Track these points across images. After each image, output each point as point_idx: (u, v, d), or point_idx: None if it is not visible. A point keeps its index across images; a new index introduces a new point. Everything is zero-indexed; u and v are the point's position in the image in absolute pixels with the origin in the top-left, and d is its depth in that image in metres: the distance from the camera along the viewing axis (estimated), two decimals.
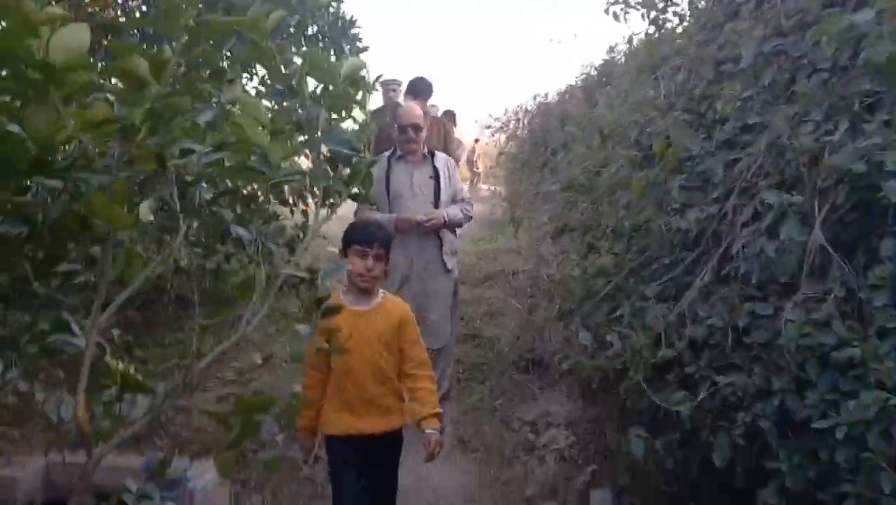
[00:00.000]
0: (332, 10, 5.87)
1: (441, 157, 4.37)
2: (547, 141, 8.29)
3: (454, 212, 4.27)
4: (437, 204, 4.17)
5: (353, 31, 5.98)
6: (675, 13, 3.85)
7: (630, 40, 5.91)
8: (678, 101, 3.06)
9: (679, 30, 3.86)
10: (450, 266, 4.34)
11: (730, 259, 2.37)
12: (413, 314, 2.89)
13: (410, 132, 4.24)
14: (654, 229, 2.65)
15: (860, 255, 2.05)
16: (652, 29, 4.08)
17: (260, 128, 1.26)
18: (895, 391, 1.79)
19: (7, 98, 1.09)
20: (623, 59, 6.62)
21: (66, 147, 1.26)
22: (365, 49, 6.11)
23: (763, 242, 2.18)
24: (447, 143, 6.01)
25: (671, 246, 2.64)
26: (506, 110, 12.99)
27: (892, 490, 1.79)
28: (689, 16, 3.76)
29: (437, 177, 4.24)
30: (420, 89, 5.58)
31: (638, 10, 4.14)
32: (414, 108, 4.48)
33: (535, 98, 10.88)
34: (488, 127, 13.91)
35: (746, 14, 2.84)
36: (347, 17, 5.97)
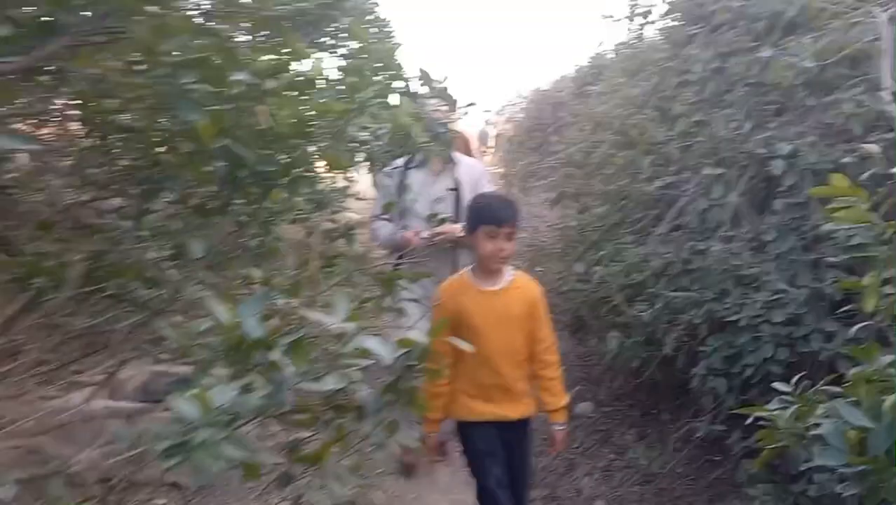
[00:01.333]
0: None
1: (465, 164, 3.66)
2: (541, 125, 9.19)
3: None
4: (457, 219, 3.41)
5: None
6: (654, 29, 4.81)
7: (618, 46, 6.82)
8: (650, 100, 4.02)
9: (656, 40, 4.81)
10: None
11: (680, 214, 3.35)
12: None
13: None
14: (630, 194, 3.63)
15: (763, 209, 3.03)
16: (635, 40, 5.04)
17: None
18: (777, 293, 2.77)
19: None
20: (612, 58, 7.57)
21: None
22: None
23: (702, 201, 3.17)
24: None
25: (642, 205, 3.62)
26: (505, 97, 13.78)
27: (772, 356, 2.78)
28: (661, 33, 4.69)
29: (457, 188, 3.57)
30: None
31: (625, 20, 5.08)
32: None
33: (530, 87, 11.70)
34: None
35: (701, 38, 3.80)
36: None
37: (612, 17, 5.20)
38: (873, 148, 1.95)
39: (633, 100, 4.14)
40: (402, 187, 3.50)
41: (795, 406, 1.76)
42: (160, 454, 1.10)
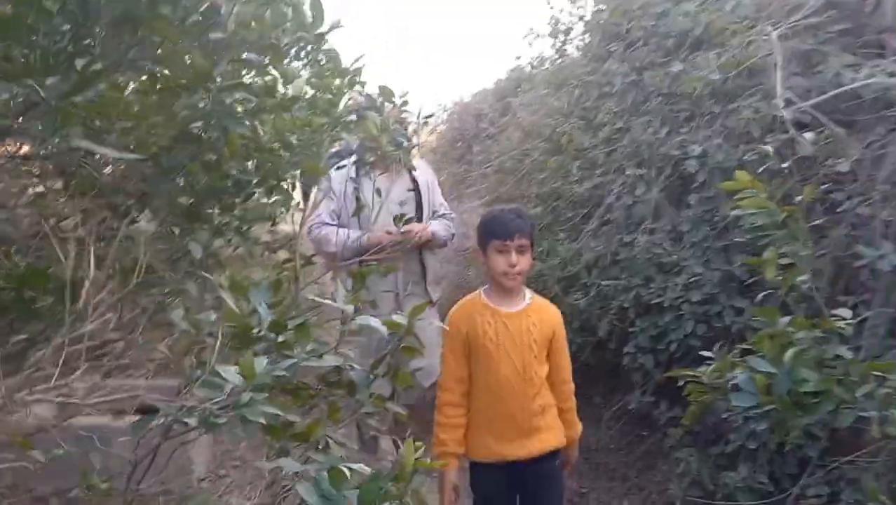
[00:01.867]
0: None
1: (421, 165, 3.61)
2: (463, 135, 9.49)
3: (438, 228, 3.47)
4: (420, 220, 3.42)
5: None
6: (574, 47, 5.20)
7: (539, 61, 7.21)
8: (575, 110, 4.38)
9: (576, 56, 5.20)
10: (434, 298, 3.57)
11: (608, 211, 3.70)
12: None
13: None
14: (561, 195, 3.96)
15: (680, 203, 3.40)
16: (557, 56, 5.42)
17: None
18: (694, 276, 3.13)
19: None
20: (531, 72, 8.01)
21: None
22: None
23: (626, 199, 3.52)
24: None
25: (573, 205, 3.96)
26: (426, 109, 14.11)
27: (692, 332, 3.13)
28: (580, 49, 5.08)
29: (416, 189, 3.47)
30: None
31: (546, 38, 5.47)
32: (394, 114, 3.44)
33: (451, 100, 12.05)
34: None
35: (618, 55, 4.18)
36: None
37: (535, 34, 5.59)
38: (768, 148, 2.32)
39: (558, 110, 4.49)
40: (356, 193, 3.33)
41: (716, 363, 2.09)
42: (209, 416, 1.31)
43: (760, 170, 2.44)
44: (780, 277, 1.96)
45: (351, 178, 3.39)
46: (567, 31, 5.22)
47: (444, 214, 3.56)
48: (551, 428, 2.35)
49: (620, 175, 3.64)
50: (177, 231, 1.93)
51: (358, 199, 3.29)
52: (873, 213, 2.63)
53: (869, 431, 2.55)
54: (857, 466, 2.55)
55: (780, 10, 3.28)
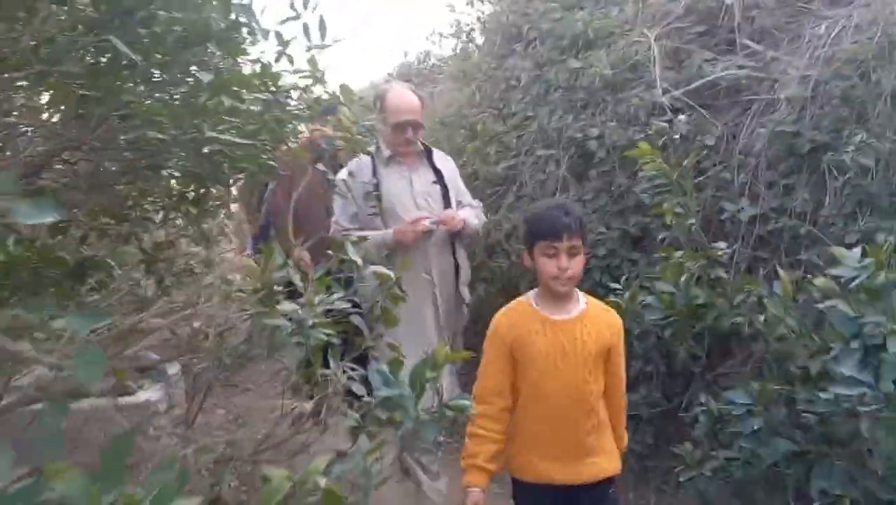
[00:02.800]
0: None
1: (439, 155, 3.36)
2: None
3: (468, 215, 3.23)
4: None
5: None
6: (474, 45, 5.75)
7: (425, 55, 7.78)
8: (484, 101, 4.92)
9: (476, 56, 5.76)
10: (466, 299, 3.37)
11: (522, 187, 4.27)
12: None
13: (410, 132, 3.16)
14: (481, 175, 4.50)
15: (583, 178, 4.02)
16: (459, 51, 5.96)
17: None
18: (599, 235, 3.75)
19: None
20: (419, 67, 8.63)
21: None
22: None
23: (538, 176, 4.10)
24: None
25: (491, 183, 4.50)
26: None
27: (599, 280, 3.76)
28: (484, 46, 5.64)
29: (441, 180, 3.23)
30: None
31: (449, 38, 5.99)
32: (411, 98, 3.22)
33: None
34: None
35: (519, 52, 4.75)
36: None
37: (438, 34, 6.11)
38: (664, 125, 2.95)
39: (470, 101, 5.02)
40: (376, 188, 3.09)
41: (630, 290, 2.69)
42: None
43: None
44: (675, 221, 2.59)
45: (362, 180, 3.13)
46: (469, 32, 5.77)
47: (471, 205, 3.37)
48: (607, 452, 2.10)
49: (531, 156, 4.21)
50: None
51: (378, 197, 3.07)
52: (732, 177, 3.32)
53: (736, 350, 3.25)
54: (729, 376, 3.23)
55: (652, 16, 3.96)
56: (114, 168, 1.87)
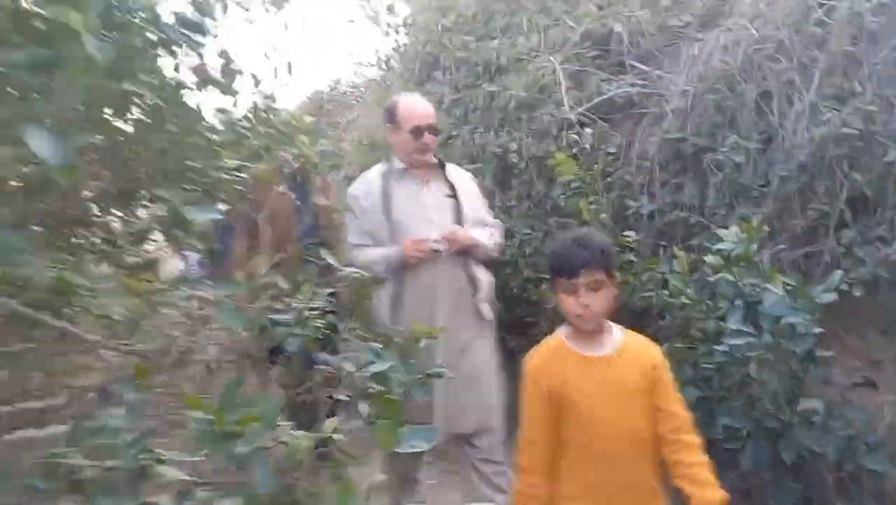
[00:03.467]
0: None
1: (454, 169, 3.23)
2: None
3: (478, 234, 3.05)
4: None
5: None
6: (394, 73, 6.16)
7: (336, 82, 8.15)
8: None
9: (397, 82, 6.17)
10: (487, 316, 3.11)
11: None
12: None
13: (427, 136, 3.03)
14: None
15: (506, 187, 4.47)
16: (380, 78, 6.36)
17: None
18: (524, 236, 4.20)
19: None
20: (335, 93, 9.00)
21: None
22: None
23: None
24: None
25: None
26: None
27: (527, 277, 4.20)
28: (404, 74, 6.06)
29: (455, 195, 3.06)
30: None
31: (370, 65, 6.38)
32: (425, 103, 3.16)
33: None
34: None
35: (437, 78, 5.19)
36: None
37: (359, 62, 6.48)
38: (576, 137, 3.42)
39: None
40: (387, 201, 2.94)
41: None
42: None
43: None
44: (590, 217, 3.05)
45: (372, 191, 3.02)
46: (387, 60, 6.17)
47: (486, 222, 3.18)
48: (663, 496, 1.92)
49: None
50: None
51: (389, 210, 2.94)
52: (633, 178, 3.83)
53: (647, 324, 3.74)
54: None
55: (554, 43, 4.47)
56: None
